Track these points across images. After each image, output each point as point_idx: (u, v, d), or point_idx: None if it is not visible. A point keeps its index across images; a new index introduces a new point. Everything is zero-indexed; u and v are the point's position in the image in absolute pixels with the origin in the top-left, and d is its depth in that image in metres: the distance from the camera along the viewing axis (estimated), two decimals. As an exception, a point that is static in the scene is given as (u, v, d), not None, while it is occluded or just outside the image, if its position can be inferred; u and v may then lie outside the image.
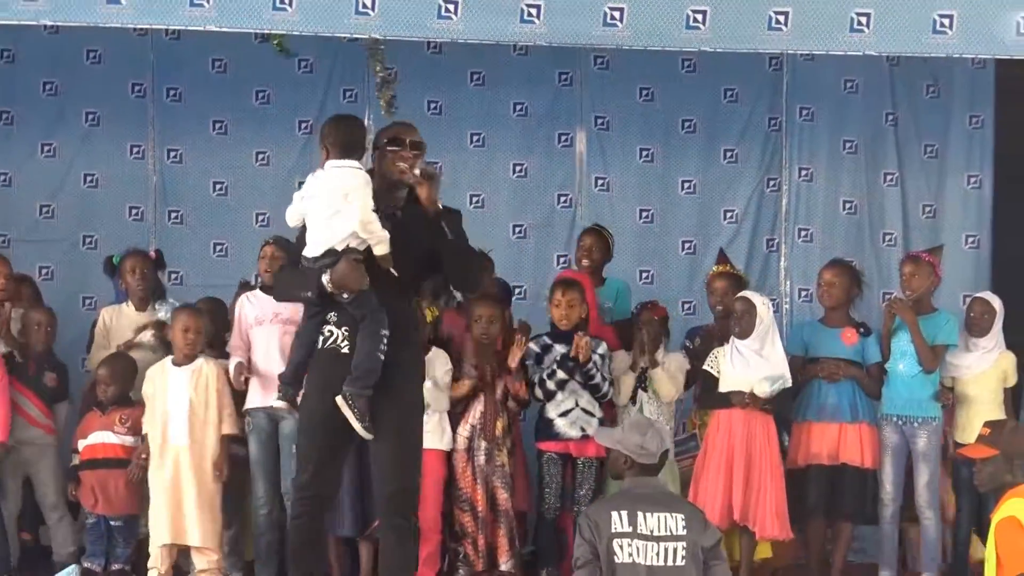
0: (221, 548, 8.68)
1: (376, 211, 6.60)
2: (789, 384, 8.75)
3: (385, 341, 6.60)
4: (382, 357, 6.61)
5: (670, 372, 9.01)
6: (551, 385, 8.75)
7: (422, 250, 6.77)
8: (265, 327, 8.80)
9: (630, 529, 6.39)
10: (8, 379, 8.73)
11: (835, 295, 9.14)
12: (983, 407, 8.99)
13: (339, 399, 6.58)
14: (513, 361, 8.74)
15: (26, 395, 8.85)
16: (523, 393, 8.78)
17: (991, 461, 6.79)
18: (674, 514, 6.48)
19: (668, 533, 6.42)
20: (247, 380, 8.71)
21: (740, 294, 8.99)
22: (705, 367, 8.93)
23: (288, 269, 7.11)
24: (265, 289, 8.82)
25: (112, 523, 8.80)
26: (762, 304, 8.88)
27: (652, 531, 6.40)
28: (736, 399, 8.70)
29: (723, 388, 8.83)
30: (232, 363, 8.72)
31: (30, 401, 8.86)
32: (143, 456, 8.61)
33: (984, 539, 7.25)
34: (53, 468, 8.92)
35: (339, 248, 6.58)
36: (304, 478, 6.82)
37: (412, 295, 7.08)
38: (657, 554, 6.40)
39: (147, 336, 9.09)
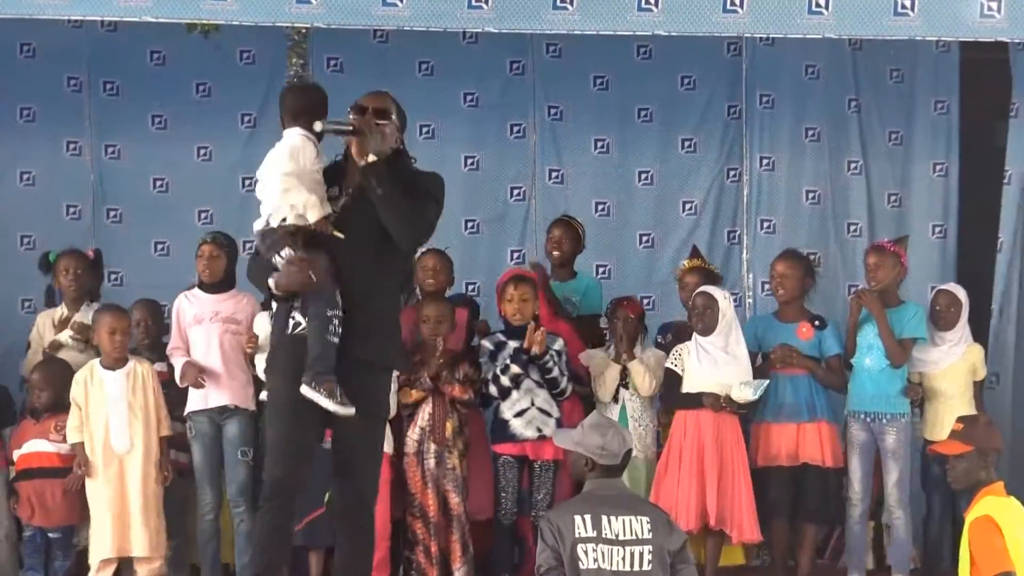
0: (165, 557, 8.63)
1: (337, 195, 6.62)
2: (752, 382, 8.69)
3: (336, 323, 6.45)
4: (333, 340, 6.45)
5: (649, 366, 8.97)
6: (505, 381, 8.66)
7: (378, 226, 6.61)
8: (204, 325, 8.76)
9: (594, 533, 6.35)
10: None
11: (789, 287, 9.10)
12: (952, 402, 8.96)
13: (303, 388, 6.44)
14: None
15: None
16: (459, 393, 8.66)
17: (965, 457, 6.88)
18: (639, 517, 6.44)
19: (634, 537, 6.38)
20: (202, 378, 8.66)
21: (700, 289, 8.94)
22: (668, 365, 8.89)
23: (255, 257, 6.93)
24: (203, 287, 8.82)
25: (51, 535, 8.73)
26: (724, 299, 8.87)
27: (617, 535, 6.36)
28: (709, 402, 8.65)
29: (689, 387, 8.81)
30: (178, 363, 8.66)
31: None
32: (82, 466, 8.50)
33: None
34: (2, 498, 8.80)
35: (271, 224, 6.51)
36: (272, 468, 6.67)
37: (390, 275, 6.83)
38: (623, 558, 6.36)
39: (65, 336, 8.97)
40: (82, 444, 8.53)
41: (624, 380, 8.95)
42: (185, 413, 8.70)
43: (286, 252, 6.44)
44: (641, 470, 8.82)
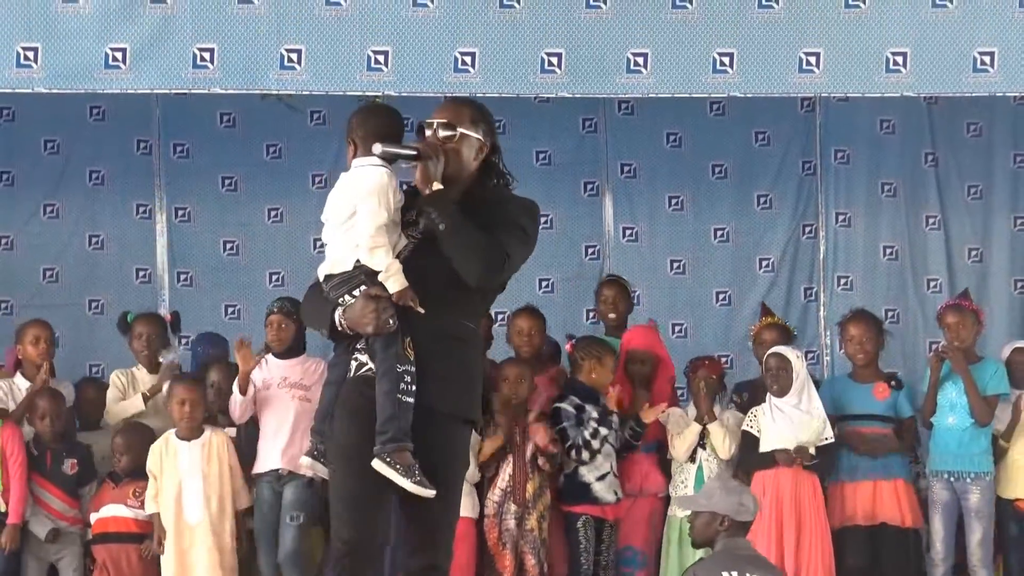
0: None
1: (415, 220, 5.65)
2: (831, 437, 8.83)
3: (408, 379, 5.47)
4: (407, 399, 5.47)
5: (729, 428, 9.05)
6: (596, 444, 8.77)
7: None
8: (272, 391, 8.93)
9: None
10: (25, 462, 8.76)
11: (867, 349, 9.20)
12: (1028, 459, 9.03)
13: (375, 463, 5.43)
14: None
15: (46, 488, 8.84)
16: (550, 445, 8.71)
17: None
18: (772, 574, 6.80)
19: None
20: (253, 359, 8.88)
21: (773, 350, 9.02)
22: (744, 427, 8.99)
23: (315, 289, 5.80)
24: (275, 355, 9.00)
25: (126, 600, 8.85)
26: (796, 358, 8.95)
27: None
28: (781, 457, 8.76)
29: (764, 447, 8.89)
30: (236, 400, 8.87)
31: (51, 494, 8.86)
32: (160, 540, 8.68)
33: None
34: (78, 557, 8.91)
35: (338, 272, 5.58)
36: (341, 530, 5.62)
37: (472, 315, 5.73)
38: None
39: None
40: (158, 515, 8.67)
41: (701, 440, 9.00)
42: (252, 473, 8.85)
43: (364, 289, 5.48)
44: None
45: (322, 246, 9.75)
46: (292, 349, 9.04)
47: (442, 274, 5.52)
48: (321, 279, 5.63)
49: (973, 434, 9.00)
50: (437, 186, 5.52)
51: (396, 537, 6.12)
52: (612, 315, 9.63)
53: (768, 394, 8.94)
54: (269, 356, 9.03)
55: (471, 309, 5.70)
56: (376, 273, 5.45)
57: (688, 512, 7.12)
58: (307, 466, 5.87)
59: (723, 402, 9.33)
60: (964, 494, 9.00)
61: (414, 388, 5.47)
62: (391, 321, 5.44)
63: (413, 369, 5.48)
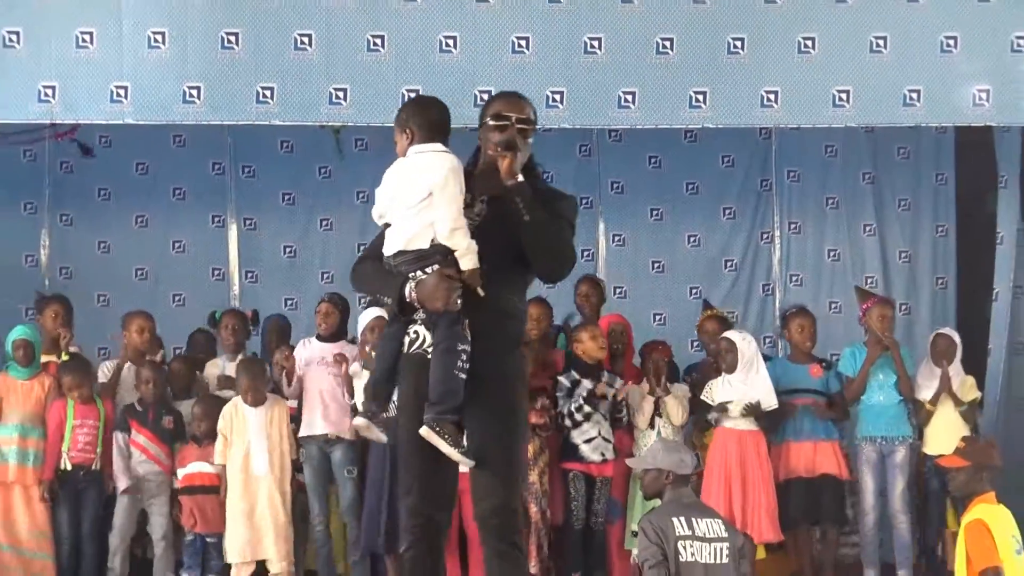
0: (290, 557, 8.69)
1: (471, 203, 5.16)
2: (775, 404, 8.74)
3: (464, 357, 5.01)
4: (462, 376, 5.01)
5: (678, 398, 8.98)
6: (579, 417, 8.69)
7: (515, 244, 5.12)
8: (313, 368, 8.82)
9: (689, 532, 6.52)
10: (67, 419, 8.67)
11: (808, 336, 9.16)
12: (949, 424, 8.94)
13: (423, 431, 4.99)
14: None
15: (147, 436, 8.73)
16: (535, 420, 8.47)
17: (963, 471, 6.94)
18: (715, 519, 6.67)
19: (716, 535, 6.57)
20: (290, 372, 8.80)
21: (722, 335, 8.99)
22: (702, 397, 8.90)
23: (371, 263, 5.31)
24: (319, 338, 8.93)
25: (208, 540, 8.74)
26: (742, 340, 8.86)
27: (704, 534, 6.54)
28: (730, 409, 8.69)
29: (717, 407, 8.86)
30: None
31: (151, 441, 8.74)
32: (225, 491, 8.63)
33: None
34: (167, 505, 8.81)
35: (413, 249, 5.06)
36: (410, 501, 5.15)
37: (514, 291, 5.22)
38: (710, 553, 6.54)
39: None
40: (224, 467, 8.61)
41: (658, 411, 8.91)
42: (298, 437, 8.75)
43: (437, 268, 4.99)
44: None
45: (365, 249, 9.68)
46: (335, 335, 8.96)
47: (497, 255, 5.06)
48: (390, 254, 5.11)
49: (897, 407, 9.00)
50: (520, 177, 5.05)
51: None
52: (587, 306, 9.48)
53: (722, 372, 8.86)
54: (312, 339, 8.97)
55: (520, 288, 5.24)
56: (450, 253, 4.99)
57: (639, 469, 7.03)
58: (362, 427, 5.36)
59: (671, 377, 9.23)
60: (891, 454, 8.98)
61: (468, 366, 5.01)
62: (459, 301, 4.98)
63: (469, 349, 5.02)
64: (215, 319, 9.42)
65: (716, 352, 9.00)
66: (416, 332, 5.11)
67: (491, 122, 5.16)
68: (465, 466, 5.03)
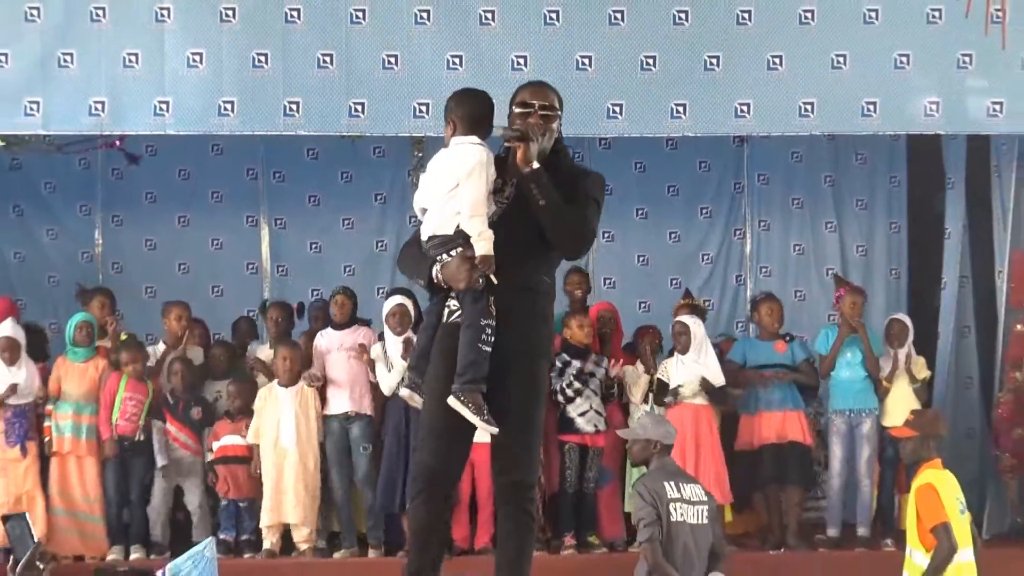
0: (316, 522, 8.68)
1: (502, 187, 4.99)
2: (723, 382, 8.72)
3: (488, 331, 4.87)
4: (486, 349, 4.87)
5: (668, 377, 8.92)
6: (571, 393, 8.67)
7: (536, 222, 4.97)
8: (334, 354, 8.76)
9: (679, 495, 6.59)
10: (113, 392, 8.69)
11: (775, 318, 9.14)
12: (903, 398, 8.89)
13: (450, 399, 4.87)
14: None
15: (179, 428, 8.74)
16: None
17: (913, 440, 6.93)
18: (696, 484, 6.76)
19: (699, 499, 6.64)
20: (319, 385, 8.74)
21: (677, 318, 8.96)
22: (658, 375, 8.84)
23: (412, 245, 5.21)
24: (334, 325, 8.89)
25: (240, 504, 8.75)
26: (694, 324, 8.83)
27: (690, 497, 6.60)
28: (682, 390, 8.68)
29: (672, 386, 8.81)
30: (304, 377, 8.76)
31: (182, 432, 8.75)
32: (258, 464, 8.62)
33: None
34: (199, 481, 8.82)
35: (440, 234, 4.98)
36: (422, 457, 5.05)
37: (540, 268, 5.03)
38: (694, 515, 6.61)
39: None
40: (258, 445, 8.61)
41: (651, 387, 8.88)
42: (322, 415, 8.71)
43: (460, 250, 4.91)
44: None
45: (382, 246, 9.73)
46: (348, 322, 8.94)
47: (525, 236, 4.90)
48: (423, 238, 5.03)
49: (863, 383, 8.98)
50: (536, 164, 4.88)
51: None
52: (578, 293, 9.37)
53: (675, 352, 8.87)
54: (329, 330, 8.92)
55: (547, 266, 5.05)
56: (463, 247, 4.89)
57: (630, 440, 7.04)
58: (406, 396, 5.22)
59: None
60: (858, 425, 8.95)
61: (493, 339, 4.86)
62: (480, 280, 4.84)
63: (494, 323, 4.86)
64: (264, 307, 9.41)
65: (672, 334, 8.97)
66: (450, 307, 5.02)
67: (516, 110, 5.02)
68: (487, 432, 4.88)
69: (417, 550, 5.07)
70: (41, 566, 3.54)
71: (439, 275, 4.96)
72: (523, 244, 4.92)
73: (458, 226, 4.91)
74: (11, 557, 3.62)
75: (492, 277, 4.87)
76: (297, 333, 9.40)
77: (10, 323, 8.73)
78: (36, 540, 3.64)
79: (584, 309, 9.21)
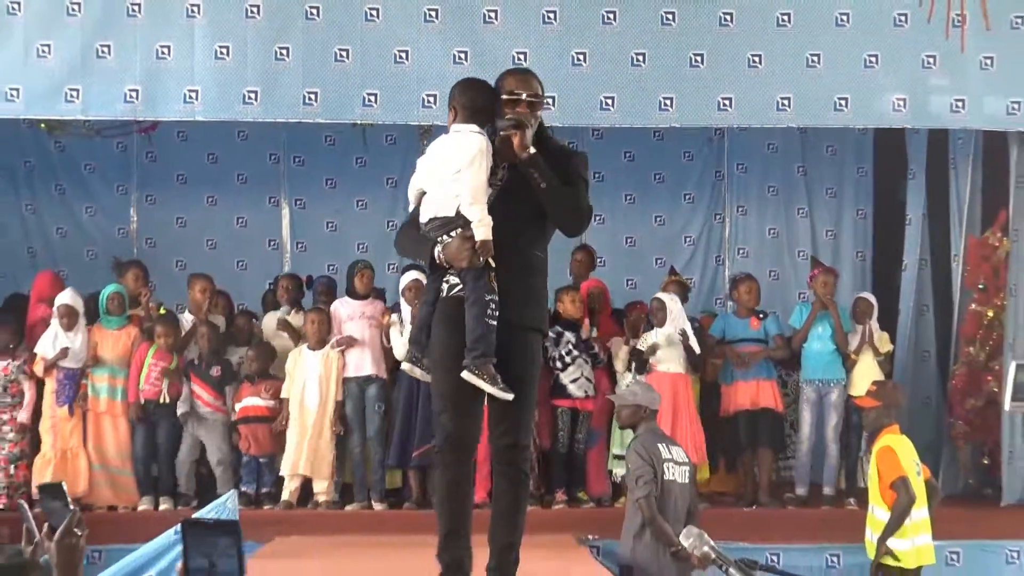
0: (332, 476, 8.62)
1: (494, 170, 4.85)
2: (698, 350, 8.60)
3: (493, 306, 4.75)
4: (492, 322, 4.74)
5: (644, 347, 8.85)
6: (568, 359, 8.60)
7: (534, 204, 4.86)
8: (355, 322, 8.69)
9: (670, 456, 6.60)
10: (151, 361, 8.62)
11: (754, 297, 9.08)
12: (867, 370, 8.81)
13: (464, 374, 4.75)
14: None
15: (201, 386, 8.68)
16: None
17: (874, 409, 7.01)
18: (679, 447, 6.77)
19: (683, 460, 6.67)
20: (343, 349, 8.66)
21: (655, 296, 8.89)
22: (637, 347, 8.75)
23: (410, 227, 5.07)
24: (354, 295, 8.78)
25: (260, 460, 8.68)
26: (670, 300, 8.74)
27: (676, 458, 6.61)
28: (661, 344, 8.56)
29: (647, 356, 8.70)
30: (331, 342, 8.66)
31: (204, 390, 8.69)
32: (285, 418, 8.53)
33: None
34: (220, 437, 8.73)
35: (441, 216, 4.85)
36: (444, 422, 4.91)
37: (535, 245, 4.91)
38: (681, 475, 6.64)
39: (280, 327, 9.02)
40: (287, 400, 8.55)
41: (634, 355, 8.76)
42: (342, 377, 8.62)
43: (460, 231, 4.79)
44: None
45: (393, 226, 9.58)
46: (369, 294, 8.88)
47: (521, 215, 4.81)
48: (423, 220, 4.90)
49: (832, 355, 8.90)
50: (532, 150, 4.77)
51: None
52: (580, 269, 9.34)
53: (654, 326, 8.78)
54: (347, 298, 8.82)
55: (542, 243, 4.95)
56: (463, 229, 4.78)
57: (620, 404, 7.01)
58: (407, 370, 5.12)
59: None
60: (827, 394, 8.89)
61: (497, 313, 4.75)
62: (479, 258, 4.73)
63: (497, 298, 4.75)
64: (311, 281, 9.42)
65: (650, 310, 8.88)
66: (449, 280, 4.90)
67: (505, 98, 4.86)
68: (503, 398, 4.76)
69: (449, 510, 4.95)
70: (79, 532, 3.44)
71: (441, 255, 4.86)
72: (518, 223, 4.83)
73: (458, 208, 4.80)
74: (46, 525, 3.50)
75: (491, 260, 4.77)
76: (306, 304, 9.33)
77: (69, 292, 8.69)
78: (72, 508, 3.53)
79: (576, 286, 9.14)
